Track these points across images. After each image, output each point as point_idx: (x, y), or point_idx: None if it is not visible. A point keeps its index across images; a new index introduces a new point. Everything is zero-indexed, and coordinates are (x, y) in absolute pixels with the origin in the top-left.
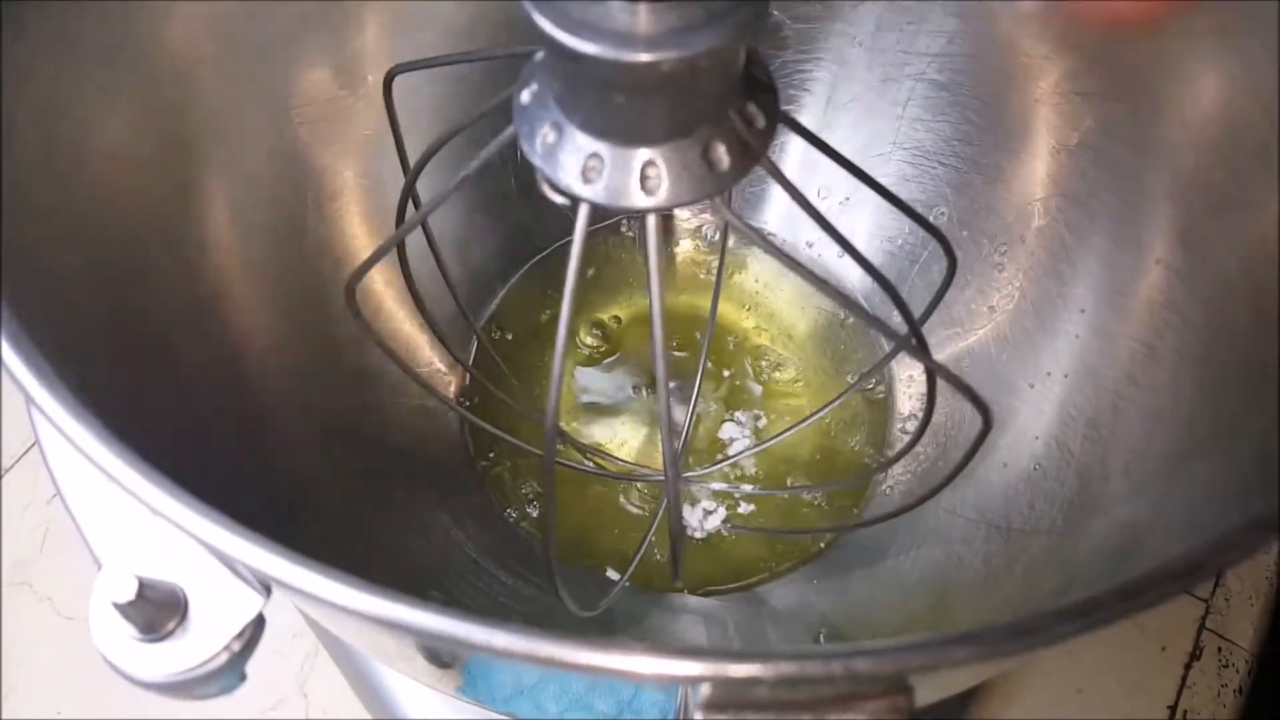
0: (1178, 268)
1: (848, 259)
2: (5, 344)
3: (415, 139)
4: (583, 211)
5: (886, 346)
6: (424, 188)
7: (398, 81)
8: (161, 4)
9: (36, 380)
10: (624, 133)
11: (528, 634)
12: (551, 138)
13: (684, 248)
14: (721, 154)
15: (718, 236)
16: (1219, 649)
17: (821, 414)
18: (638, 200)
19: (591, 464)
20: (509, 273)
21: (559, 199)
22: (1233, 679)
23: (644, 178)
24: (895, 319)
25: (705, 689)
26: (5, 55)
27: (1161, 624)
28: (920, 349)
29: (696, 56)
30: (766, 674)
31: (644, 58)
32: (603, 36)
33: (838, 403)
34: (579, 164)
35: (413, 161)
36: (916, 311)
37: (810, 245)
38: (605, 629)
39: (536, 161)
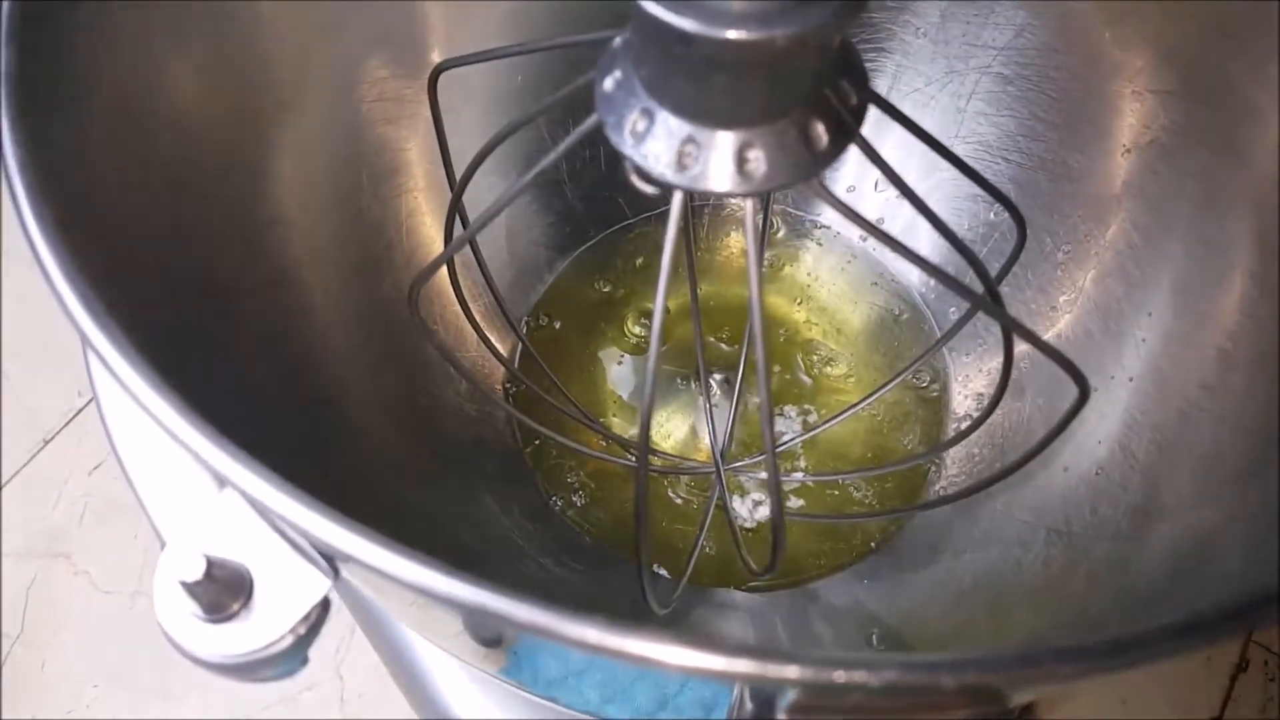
0: (1254, 271)
1: (893, 268)
2: (81, 309)
3: (470, 120)
4: (677, 200)
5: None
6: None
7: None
8: None
9: (112, 345)
10: (721, 115)
11: (620, 630)
12: (641, 125)
13: (735, 238)
14: (820, 133)
15: (770, 229)
16: (1265, 661)
17: (873, 400)
18: (735, 184)
19: (634, 459)
20: (556, 261)
21: (649, 189)
22: (1278, 692)
23: (741, 161)
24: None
25: (795, 691)
26: (87, 14)
27: None
28: (997, 306)
29: (806, 34)
30: (872, 681)
31: (753, 36)
32: (708, 14)
33: (893, 386)
34: (673, 150)
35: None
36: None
37: (864, 239)
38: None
39: (626, 151)
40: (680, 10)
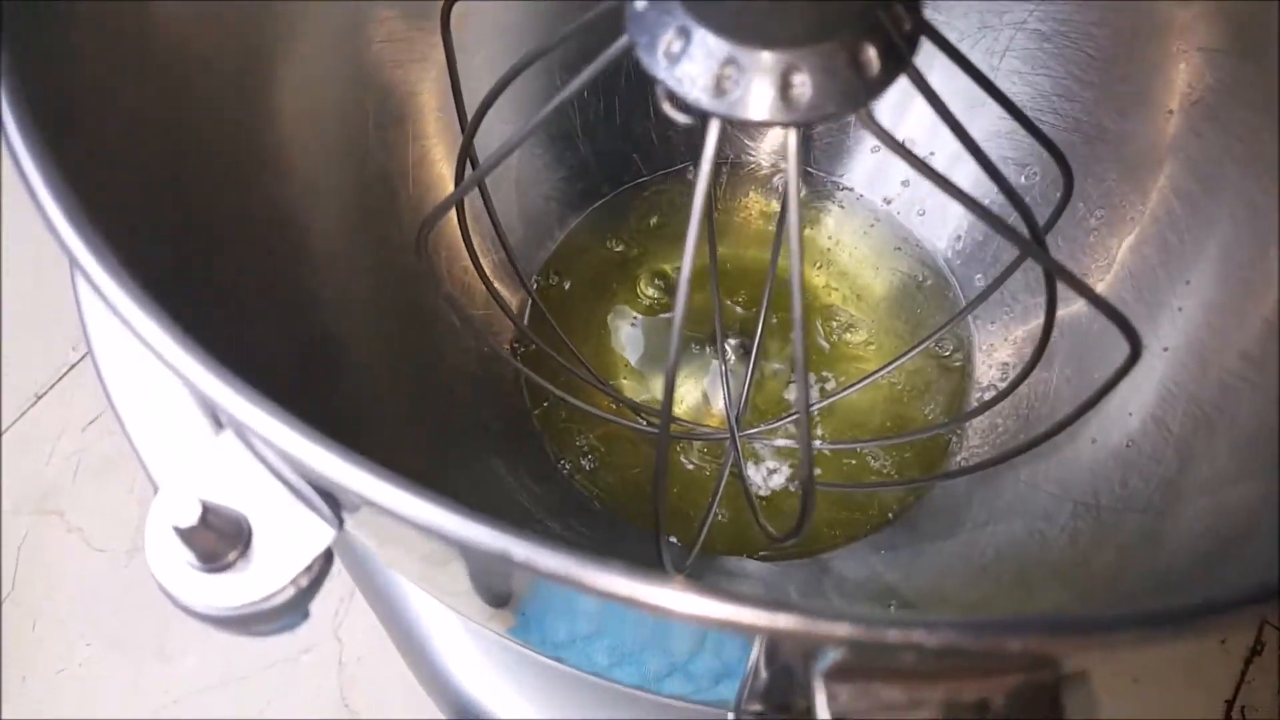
0: None
1: (927, 217)
2: (81, 243)
3: (482, 61)
4: (713, 129)
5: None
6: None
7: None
8: None
9: (111, 279)
10: (765, 33)
11: (658, 581)
12: (677, 46)
13: (753, 198)
14: (871, 57)
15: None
16: None
17: (893, 368)
18: (777, 112)
19: (646, 423)
20: (568, 217)
21: (682, 118)
22: None
23: (786, 85)
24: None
25: (838, 653)
26: None
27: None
28: (1044, 252)
29: None
30: (929, 641)
31: None
32: None
33: (916, 352)
34: (711, 73)
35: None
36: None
37: (888, 203)
38: None
39: (660, 74)
40: None
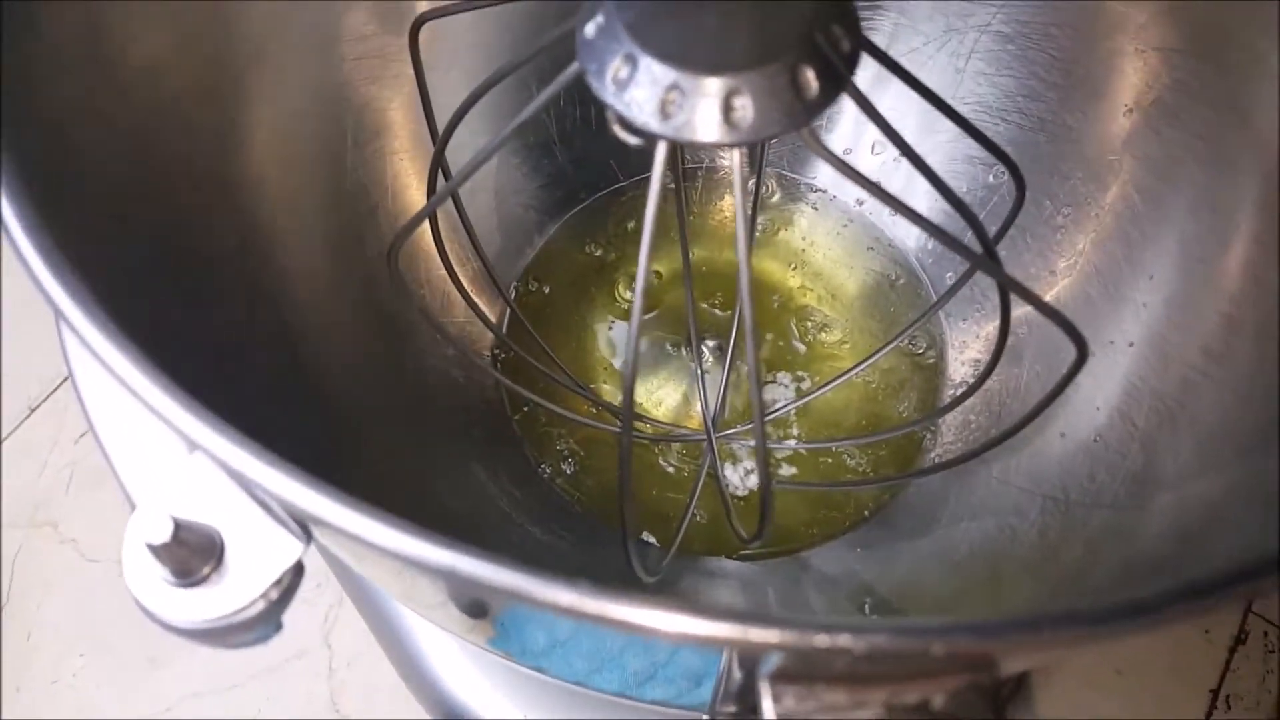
0: (1260, 235)
1: (899, 218)
2: (45, 268)
3: (456, 78)
4: (661, 151)
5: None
6: (459, 131)
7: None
8: None
9: (75, 306)
10: (707, 59)
11: (600, 593)
12: (624, 72)
13: (728, 201)
14: (810, 79)
15: (763, 190)
16: (1265, 633)
17: (867, 366)
18: (722, 134)
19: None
20: (546, 224)
21: (633, 139)
22: (1278, 665)
23: (728, 109)
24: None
25: (779, 657)
26: None
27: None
28: (995, 265)
29: None
30: (856, 646)
31: None
32: None
33: (888, 350)
34: (656, 97)
35: (443, 109)
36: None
37: (861, 204)
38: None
39: (608, 99)
40: None
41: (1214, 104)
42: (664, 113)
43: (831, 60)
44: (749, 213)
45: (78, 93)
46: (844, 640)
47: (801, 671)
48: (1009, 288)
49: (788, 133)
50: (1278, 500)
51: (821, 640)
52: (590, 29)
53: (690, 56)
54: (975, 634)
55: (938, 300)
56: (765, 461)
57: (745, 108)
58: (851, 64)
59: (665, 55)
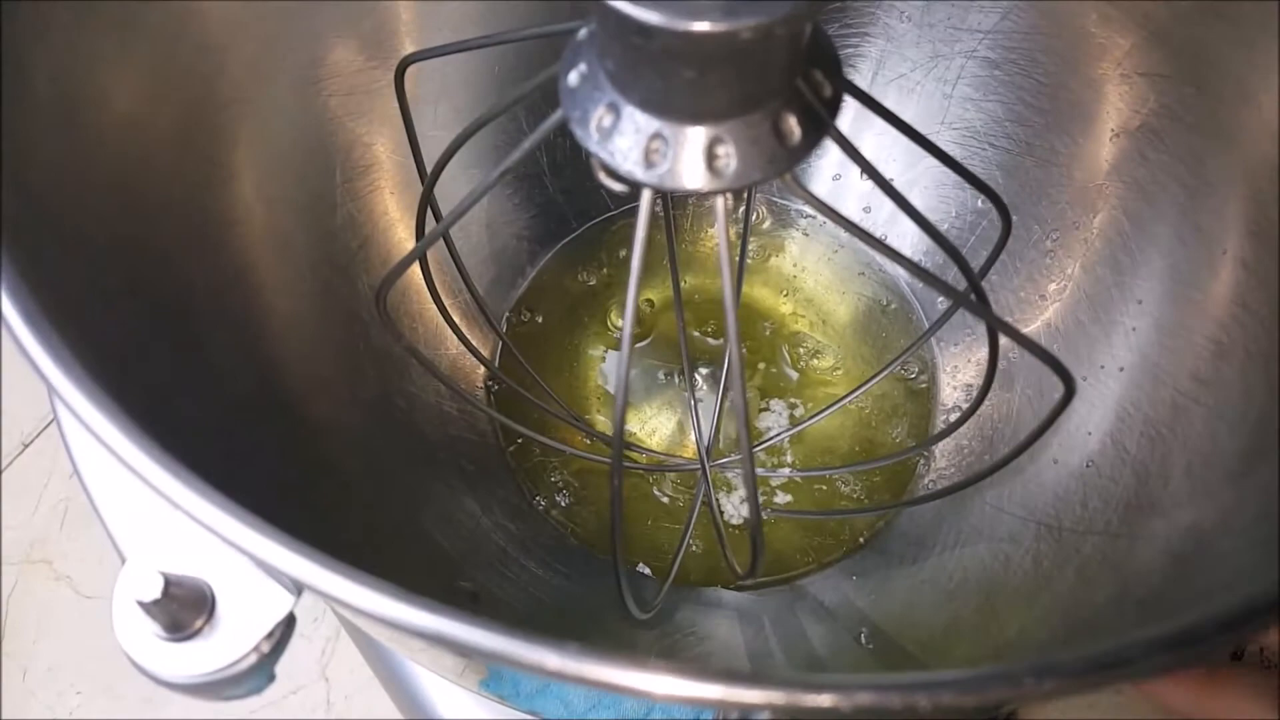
0: (1247, 260)
1: (889, 243)
2: (25, 329)
3: (445, 113)
4: (646, 198)
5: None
6: (449, 164)
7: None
8: None
9: (58, 368)
10: (689, 109)
11: (585, 656)
12: (608, 120)
13: (715, 231)
14: (792, 125)
15: (754, 218)
16: (1261, 649)
17: (860, 394)
18: (705, 182)
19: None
20: (538, 254)
21: (618, 186)
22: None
23: (712, 157)
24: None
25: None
26: (24, 12)
27: None
28: (981, 304)
29: (772, 24)
30: (843, 704)
31: (720, 27)
32: (670, 6)
33: (881, 377)
34: (640, 147)
35: (432, 143)
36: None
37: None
38: (632, 623)
39: (593, 148)
40: (643, 2)
41: (1198, 128)
42: (648, 161)
43: (814, 106)
44: (734, 259)
45: (58, 147)
46: (826, 699)
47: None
48: (994, 326)
49: (770, 179)
50: (1274, 534)
51: (809, 699)
52: (573, 77)
53: (672, 105)
54: (959, 689)
55: (925, 333)
56: (756, 499)
57: (729, 155)
58: (834, 108)
59: (648, 104)
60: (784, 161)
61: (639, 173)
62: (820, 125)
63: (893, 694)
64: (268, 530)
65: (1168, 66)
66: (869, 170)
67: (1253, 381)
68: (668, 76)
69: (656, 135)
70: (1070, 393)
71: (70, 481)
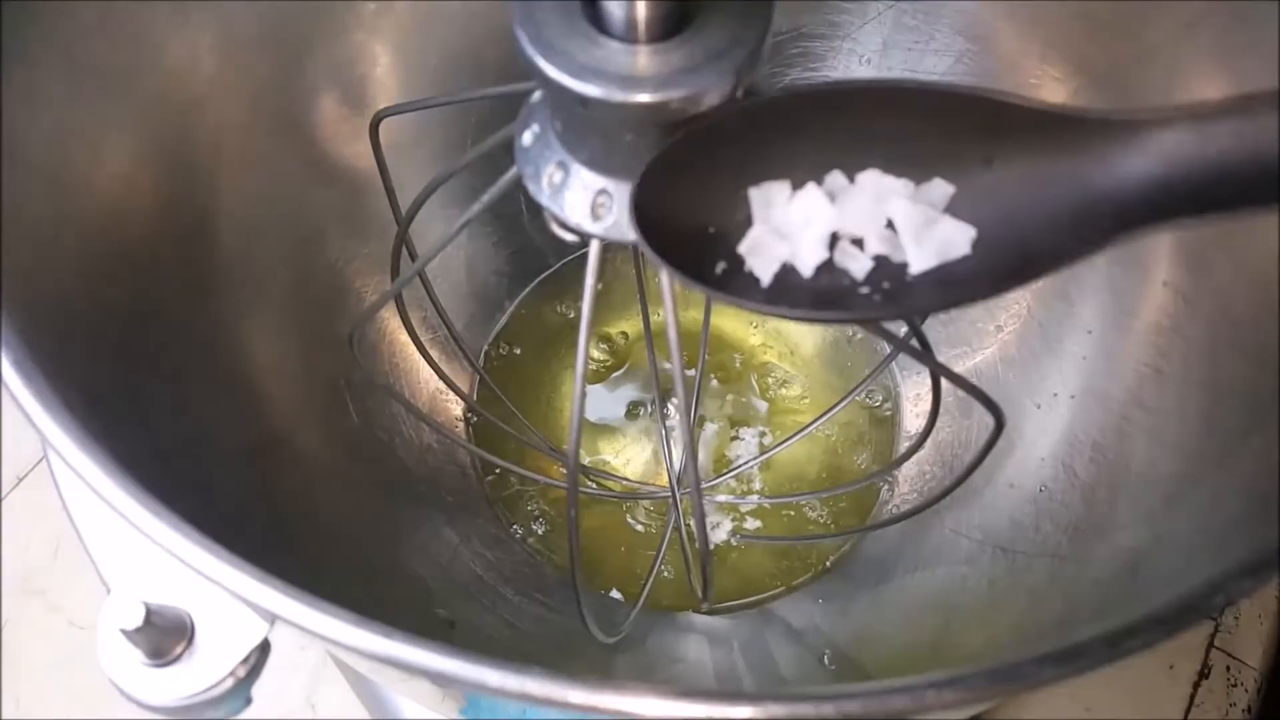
0: (1183, 290)
1: None
2: (13, 375)
3: (424, 158)
4: (594, 248)
5: (894, 362)
6: (428, 204)
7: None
8: (169, 32)
9: (44, 412)
10: (631, 169)
11: (517, 673)
12: (558, 177)
13: None
14: None
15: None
16: (1227, 667)
17: (825, 421)
18: None
19: (594, 485)
20: (516, 290)
21: (569, 236)
22: (1241, 698)
23: None
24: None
25: None
26: (13, 80)
27: (1170, 643)
28: (922, 349)
29: (700, 95)
30: (759, 715)
31: (650, 99)
32: (608, 79)
33: (842, 406)
34: (588, 201)
35: (411, 188)
36: None
37: None
38: (608, 650)
39: (544, 202)
40: (580, 74)
41: None
42: (595, 214)
43: None
44: (673, 305)
45: (47, 198)
46: (750, 710)
47: None
48: (932, 368)
49: None
50: (1203, 552)
51: (736, 712)
52: (527, 137)
53: (615, 164)
54: (865, 699)
55: (876, 368)
56: (704, 534)
57: None
58: None
59: (593, 163)
60: None
61: (587, 225)
62: None
63: (805, 705)
64: (236, 562)
65: (1111, 108)
66: None
67: (1188, 406)
68: (610, 139)
69: (602, 191)
70: (999, 425)
71: (63, 514)
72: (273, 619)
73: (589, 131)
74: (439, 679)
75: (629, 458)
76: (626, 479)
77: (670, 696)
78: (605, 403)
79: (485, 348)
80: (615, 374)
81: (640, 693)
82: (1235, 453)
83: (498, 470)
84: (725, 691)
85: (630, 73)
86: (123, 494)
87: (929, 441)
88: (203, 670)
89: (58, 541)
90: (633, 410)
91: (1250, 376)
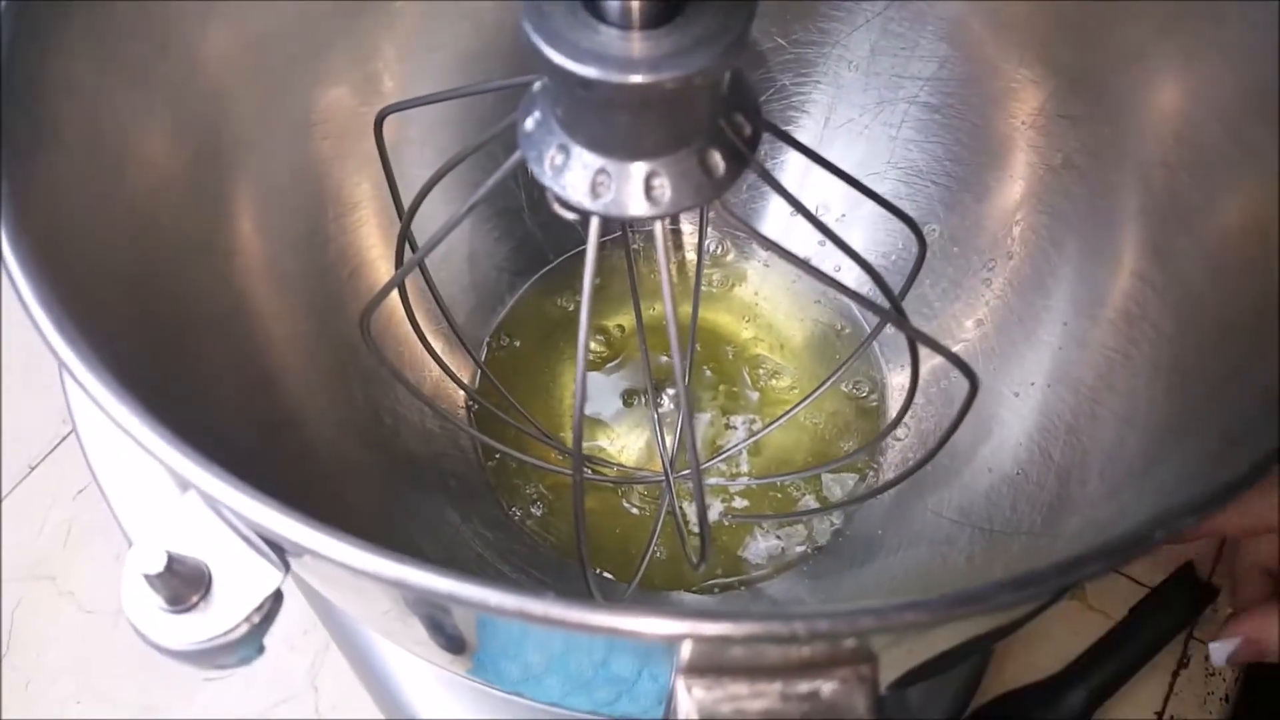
0: (1151, 279)
1: (843, 273)
2: (55, 330)
3: (431, 154)
4: (594, 223)
5: (880, 353)
6: (433, 199)
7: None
8: (196, 27)
9: (80, 361)
10: (627, 148)
11: (520, 593)
12: (559, 159)
13: (688, 259)
14: (717, 160)
15: (718, 249)
16: (1205, 657)
17: (808, 404)
18: (645, 209)
19: (590, 470)
20: (517, 284)
21: (570, 215)
22: (1219, 687)
23: (649, 188)
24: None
25: (685, 652)
26: (55, 70)
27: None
28: (901, 318)
29: (690, 76)
30: (737, 632)
31: (644, 79)
32: (606, 62)
33: (830, 384)
34: (587, 180)
35: (416, 181)
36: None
37: (808, 260)
38: None
39: (547, 182)
40: (581, 58)
41: (1110, 162)
42: (594, 193)
43: (734, 143)
44: (669, 285)
45: (80, 177)
46: (726, 628)
47: (707, 665)
48: (909, 334)
49: (699, 205)
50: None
51: (710, 629)
52: (529, 123)
53: (613, 145)
54: (830, 618)
55: (861, 344)
56: (701, 497)
57: (663, 186)
58: (753, 145)
59: (593, 144)
60: (710, 191)
61: (587, 202)
62: (741, 159)
63: (777, 622)
64: (266, 498)
65: (1085, 109)
66: (790, 200)
67: (1155, 390)
68: (608, 121)
69: (601, 170)
70: (974, 389)
71: (74, 502)
72: (287, 567)
73: (588, 113)
74: (453, 600)
75: (624, 445)
76: (622, 465)
77: (642, 614)
78: (602, 392)
79: (486, 339)
80: (610, 364)
81: (617, 612)
82: (1192, 434)
83: (498, 455)
84: (706, 611)
85: (627, 56)
86: (151, 433)
87: (912, 429)
88: (219, 617)
89: (68, 528)
90: (628, 399)
91: (1210, 361)
